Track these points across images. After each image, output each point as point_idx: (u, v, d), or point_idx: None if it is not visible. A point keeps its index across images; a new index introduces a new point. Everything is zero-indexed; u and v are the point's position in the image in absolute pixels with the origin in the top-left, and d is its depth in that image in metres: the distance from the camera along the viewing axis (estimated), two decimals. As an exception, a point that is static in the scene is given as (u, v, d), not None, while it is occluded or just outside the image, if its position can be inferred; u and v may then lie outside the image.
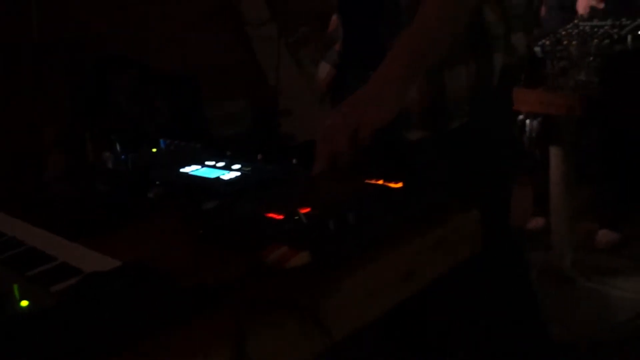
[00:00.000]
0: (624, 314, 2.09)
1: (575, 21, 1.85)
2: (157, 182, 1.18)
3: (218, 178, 1.08)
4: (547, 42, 1.76)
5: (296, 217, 0.84)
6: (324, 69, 1.57)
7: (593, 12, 2.17)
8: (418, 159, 1.39)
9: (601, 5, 2.29)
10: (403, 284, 0.88)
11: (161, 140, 1.43)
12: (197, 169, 1.16)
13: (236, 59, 2.54)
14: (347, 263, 0.80)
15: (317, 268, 0.78)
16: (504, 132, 1.49)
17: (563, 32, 1.85)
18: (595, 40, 1.74)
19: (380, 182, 0.99)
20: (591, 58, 1.57)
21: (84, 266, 0.84)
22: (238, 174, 1.09)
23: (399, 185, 0.97)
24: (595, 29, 1.82)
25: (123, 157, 1.29)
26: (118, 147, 1.32)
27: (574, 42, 1.70)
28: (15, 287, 0.74)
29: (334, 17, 1.60)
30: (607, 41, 1.71)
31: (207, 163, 1.18)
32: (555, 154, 2.28)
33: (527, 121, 2.71)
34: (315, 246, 0.79)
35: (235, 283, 0.75)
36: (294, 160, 1.12)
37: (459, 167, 1.38)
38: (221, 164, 1.16)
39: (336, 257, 0.79)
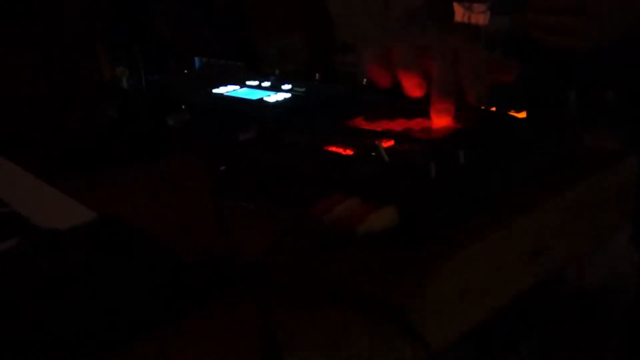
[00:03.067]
0: None
1: None
2: (183, 107, 0.89)
3: (261, 100, 0.78)
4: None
5: (373, 153, 0.54)
6: None
7: None
8: None
9: None
10: (528, 266, 0.57)
11: (196, 59, 1.14)
12: (234, 90, 0.86)
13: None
14: (451, 233, 0.49)
15: (407, 237, 0.48)
16: None
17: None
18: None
19: (494, 109, 0.67)
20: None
21: (40, 218, 0.55)
22: (288, 95, 0.78)
23: (523, 115, 0.65)
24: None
25: (144, 75, 1.00)
26: (139, 63, 1.03)
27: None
28: None
29: None
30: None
31: (248, 83, 0.88)
32: None
33: None
34: (408, 200, 0.48)
35: (268, 256, 0.45)
36: (365, 81, 0.81)
37: None
38: (267, 83, 0.86)
39: (441, 220, 0.48)
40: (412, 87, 0.63)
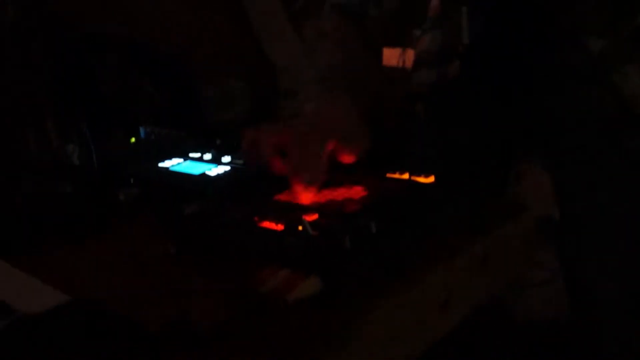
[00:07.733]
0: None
1: None
2: (131, 181, 0.97)
3: (204, 174, 0.87)
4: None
5: (300, 228, 0.63)
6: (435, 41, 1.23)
7: None
8: None
9: None
10: (438, 317, 0.67)
11: (141, 129, 1.22)
12: (179, 164, 0.95)
13: (233, 34, 2.32)
14: (366, 293, 0.59)
15: (327, 300, 0.57)
16: None
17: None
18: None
19: (406, 176, 0.77)
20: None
21: (14, 300, 0.61)
22: (227, 168, 0.88)
23: (431, 179, 0.76)
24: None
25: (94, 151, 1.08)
26: (88, 136, 1.11)
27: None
28: None
29: None
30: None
31: (191, 155, 0.97)
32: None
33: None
34: (328, 269, 0.58)
35: (222, 325, 0.54)
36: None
37: None
38: (208, 156, 0.95)
39: (356, 283, 0.58)
40: (276, 170, 0.79)
